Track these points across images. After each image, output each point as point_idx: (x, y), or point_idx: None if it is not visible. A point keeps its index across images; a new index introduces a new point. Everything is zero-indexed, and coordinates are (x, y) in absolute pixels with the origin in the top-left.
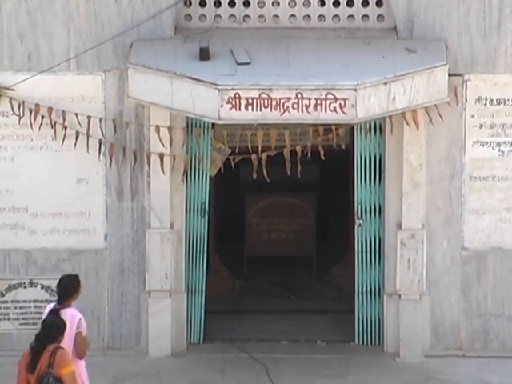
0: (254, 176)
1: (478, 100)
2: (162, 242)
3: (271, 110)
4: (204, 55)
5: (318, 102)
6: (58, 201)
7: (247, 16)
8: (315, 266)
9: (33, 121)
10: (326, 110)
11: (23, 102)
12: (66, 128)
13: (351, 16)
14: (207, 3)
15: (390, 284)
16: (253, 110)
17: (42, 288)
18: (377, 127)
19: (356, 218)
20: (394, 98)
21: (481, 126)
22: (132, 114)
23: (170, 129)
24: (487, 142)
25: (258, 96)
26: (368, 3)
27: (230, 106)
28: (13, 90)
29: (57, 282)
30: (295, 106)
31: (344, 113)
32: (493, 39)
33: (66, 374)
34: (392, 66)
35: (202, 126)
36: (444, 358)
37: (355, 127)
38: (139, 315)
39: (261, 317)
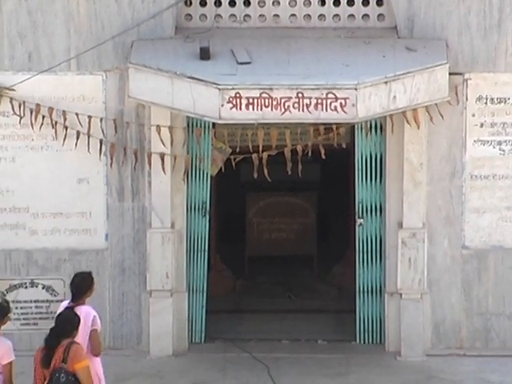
0: (255, 175)
1: (479, 99)
2: (163, 241)
3: (272, 109)
4: (204, 55)
5: (319, 101)
6: (59, 201)
7: (248, 15)
8: (316, 265)
9: (33, 121)
10: (326, 110)
11: (24, 102)
12: (66, 128)
13: (352, 15)
14: (207, 3)
15: (390, 283)
16: (253, 109)
17: (42, 288)
18: (377, 126)
19: (357, 217)
20: (394, 97)
21: (481, 124)
22: (133, 113)
23: (170, 128)
24: (488, 141)
25: (258, 95)
26: (368, 2)
27: (230, 105)
28: (13, 90)
29: (71, 279)
30: (296, 105)
31: (345, 112)
32: (493, 38)
33: (81, 369)
34: (392, 65)
35: (202, 125)
36: (445, 357)
37: (356, 126)
38: (140, 315)
39: (262, 316)
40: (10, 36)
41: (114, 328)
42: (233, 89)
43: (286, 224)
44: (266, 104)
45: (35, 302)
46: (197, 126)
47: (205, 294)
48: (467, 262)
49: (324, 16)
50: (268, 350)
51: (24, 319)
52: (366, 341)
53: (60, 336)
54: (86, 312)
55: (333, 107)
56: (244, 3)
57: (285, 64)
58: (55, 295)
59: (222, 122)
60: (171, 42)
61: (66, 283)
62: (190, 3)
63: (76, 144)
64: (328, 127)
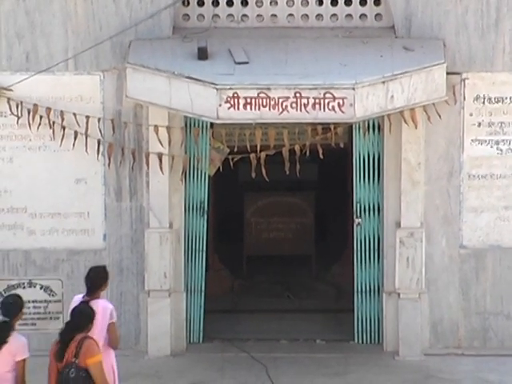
0: (253, 175)
1: (476, 98)
2: (161, 241)
3: (270, 109)
4: (202, 55)
5: (317, 101)
6: (57, 201)
7: (245, 15)
8: (314, 264)
9: (31, 121)
10: (324, 109)
11: (21, 103)
12: (64, 128)
13: (349, 15)
14: (205, 3)
15: (389, 283)
16: (251, 109)
17: (40, 288)
18: (375, 126)
19: (355, 216)
20: (392, 96)
21: (479, 124)
22: (130, 113)
23: (168, 128)
24: (485, 141)
25: (256, 95)
26: (366, 2)
27: (228, 105)
28: (11, 90)
29: (86, 273)
30: (294, 105)
31: (342, 112)
32: (491, 38)
33: (93, 364)
34: (390, 65)
35: (200, 125)
36: (443, 357)
37: (354, 126)
38: (138, 315)
39: (260, 316)
40: (8, 36)
41: None
42: (230, 89)
43: (284, 224)
44: (264, 104)
45: (33, 302)
46: (195, 125)
47: (203, 294)
48: (465, 262)
49: (322, 16)
50: (266, 350)
51: (22, 319)
52: (365, 340)
53: (74, 330)
54: (103, 306)
55: (330, 107)
56: (241, 3)
57: (282, 64)
58: (53, 295)
59: (219, 121)
60: (169, 42)
61: (63, 283)
62: (188, 3)
63: (74, 144)
64: (326, 127)
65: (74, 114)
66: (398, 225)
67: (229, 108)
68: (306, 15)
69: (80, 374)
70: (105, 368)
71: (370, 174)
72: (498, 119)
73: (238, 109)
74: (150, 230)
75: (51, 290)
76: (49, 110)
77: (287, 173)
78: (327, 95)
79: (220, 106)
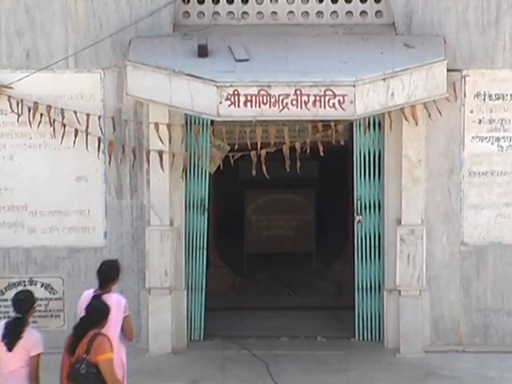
0: (254, 173)
1: (477, 95)
2: (162, 239)
3: (270, 106)
4: (202, 52)
5: (317, 98)
6: (58, 199)
7: (245, 13)
8: (315, 262)
9: (31, 119)
10: (324, 107)
11: (22, 100)
12: (64, 126)
13: (349, 12)
14: (205, 0)
15: (389, 280)
16: (252, 106)
17: (41, 286)
18: (376, 123)
19: (355, 214)
20: (392, 93)
21: (479, 121)
22: (131, 111)
23: (168, 126)
24: (486, 138)
25: (256, 93)
26: None
27: (228, 102)
28: (11, 88)
29: (98, 267)
30: (294, 102)
31: (343, 109)
32: (491, 35)
33: (103, 361)
34: (390, 62)
35: (200, 123)
36: (444, 354)
37: (354, 123)
38: (139, 312)
39: (261, 313)
40: (8, 34)
41: None
42: (231, 86)
43: (285, 221)
44: (265, 101)
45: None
46: (195, 123)
47: (204, 292)
48: (466, 259)
49: (322, 13)
50: (267, 347)
51: None
52: (365, 337)
53: (88, 326)
54: (117, 299)
55: (331, 104)
56: (242, 1)
57: (283, 61)
58: (54, 293)
59: (220, 119)
60: (169, 40)
61: (64, 281)
62: (188, 1)
63: (74, 142)
64: (326, 124)
65: (75, 112)
66: (399, 222)
67: (229, 105)
68: (307, 12)
69: (90, 369)
70: (115, 362)
71: (371, 171)
72: (498, 116)
73: (239, 106)
74: (150, 228)
75: (52, 288)
76: (49, 107)
77: (288, 170)
78: (328, 92)
79: (220, 103)
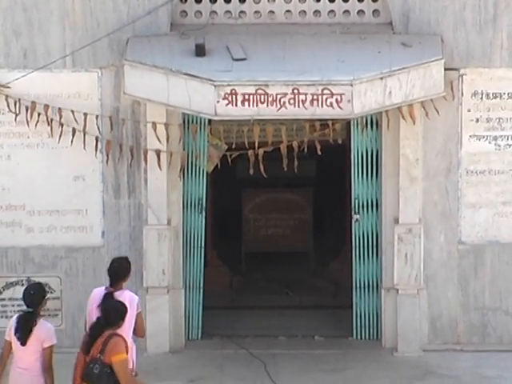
0: (251, 172)
1: (474, 94)
2: (160, 238)
3: (267, 105)
4: (200, 51)
5: (315, 97)
6: (55, 198)
7: (243, 12)
8: (313, 261)
9: (29, 118)
10: (322, 106)
11: (19, 100)
12: (62, 125)
13: (347, 11)
14: None
15: (387, 279)
16: (249, 105)
17: None
18: (373, 122)
19: (353, 212)
20: (390, 92)
21: (477, 120)
22: (128, 110)
23: (166, 125)
24: (483, 136)
25: (254, 92)
26: None
27: (226, 101)
28: (9, 87)
29: (108, 265)
30: (291, 101)
31: (340, 108)
32: (488, 33)
33: (117, 362)
34: (388, 61)
35: (198, 122)
36: (442, 353)
37: (352, 122)
38: None
39: (259, 312)
40: (6, 33)
41: None
42: (228, 85)
43: (283, 220)
44: (262, 100)
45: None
46: (192, 122)
47: (201, 291)
48: (463, 258)
49: (319, 12)
50: (265, 347)
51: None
52: (363, 336)
53: (104, 326)
54: (130, 297)
55: (328, 103)
56: (239, 0)
57: (280, 60)
58: (52, 292)
59: (217, 118)
60: (166, 39)
61: (62, 280)
62: (185, 0)
63: (72, 141)
64: (324, 123)
65: (72, 111)
66: (397, 221)
67: (227, 104)
68: (304, 11)
69: (104, 370)
70: None
71: (368, 170)
72: (495, 115)
73: (236, 105)
74: (148, 227)
75: (50, 287)
76: (47, 107)
77: (285, 169)
78: (325, 91)
79: (218, 102)
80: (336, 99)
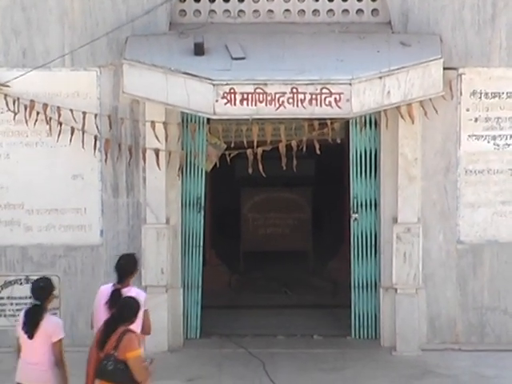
0: (250, 171)
1: (473, 94)
2: (158, 237)
3: (266, 104)
4: (199, 50)
5: (313, 96)
6: (54, 197)
7: (242, 11)
8: (311, 260)
9: (28, 117)
10: (321, 105)
11: (18, 99)
12: (61, 124)
13: (346, 10)
14: None
15: (386, 278)
16: (248, 104)
17: None
18: (372, 121)
19: (352, 212)
20: (388, 92)
21: (476, 119)
22: (127, 109)
23: (165, 124)
24: (482, 136)
25: (253, 91)
26: None
27: (225, 100)
28: (8, 86)
29: (116, 261)
30: (290, 100)
31: (339, 107)
32: (487, 33)
33: (132, 358)
34: (387, 60)
35: (197, 121)
36: (440, 352)
37: (350, 122)
38: None
39: (257, 311)
40: (5, 32)
41: None
42: (227, 84)
43: (281, 219)
44: (261, 99)
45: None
46: (191, 121)
47: (200, 290)
48: (462, 257)
49: (318, 11)
50: (264, 346)
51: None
52: (362, 336)
53: (118, 322)
54: (137, 293)
55: (327, 102)
56: None
57: (279, 59)
58: None
59: (216, 117)
60: (165, 38)
61: (60, 279)
62: None
63: (70, 140)
64: (322, 122)
65: (71, 110)
66: (395, 220)
67: (225, 104)
68: (303, 11)
69: (118, 366)
70: None
71: (367, 169)
72: (494, 114)
73: (235, 104)
74: (146, 226)
75: None
76: (45, 106)
77: (284, 168)
78: (324, 90)
79: (217, 101)
80: (335, 98)
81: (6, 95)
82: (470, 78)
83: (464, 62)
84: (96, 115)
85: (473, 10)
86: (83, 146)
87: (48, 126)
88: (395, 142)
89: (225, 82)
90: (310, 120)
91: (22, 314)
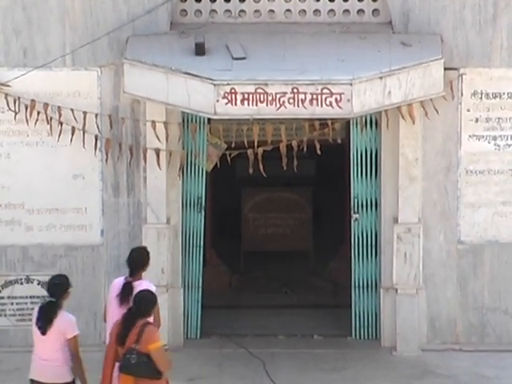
0: (251, 171)
1: (474, 94)
2: (159, 237)
3: (267, 104)
4: (199, 50)
5: (314, 96)
6: (55, 197)
7: (243, 11)
8: (312, 260)
9: (28, 117)
10: (321, 105)
11: (19, 98)
12: (61, 124)
13: (347, 10)
14: None
15: (386, 278)
16: (249, 104)
17: (38, 284)
18: (373, 122)
19: (352, 212)
20: (389, 92)
21: (476, 119)
22: (128, 109)
23: (165, 124)
24: (483, 136)
25: (253, 91)
26: None
27: (225, 100)
28: (8, 85)
29: (128, 255)
30: (291, 100)
31: (340, 107)
32: (488, 33)
33: (154, 350)
34: (387, 61)
35: (197, 121)
36: (441, 352)
37: (351, 122)
38: None
39: (258, 311)
40: (5, 32)
41: None
42: (228, 84)
43: (282, 219)
44: (261, 99)
45: (31, 297)
46: (192, 121)
47: (200, 290)
48: (463, 257)
49: (319, 11)
50: (264, 346)
51: (19, 315)
52: (362, 336)
53: (137, 316)
54: (148, 286)
55: (328, 102)
56: None
57: (280, 59)
58: None
59: (217, 117)
60: (166, 38)
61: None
62: None
63: (71, 140)
64: (323, 122)
65: (72, 110)
66: (396, 220)
67: (226, 104)
68: (304, 11)
69: (141, 359)
70: None
71: (368, 169)
72: (495, 115)
73: (236, 104)
74: (147, 226)
75: None
76: (46, 105)
77: (285, 168)
78: (324, 91)
79: (217, 101)
80: (335, 98)
81: (6, 95)
82: (470, 79)
83: (465, 62)
84: (97, 115)
85: (474, 10)
86: (84, 146)
87: (49, 126)
88: (396, 142)
89: (226, 82)
90: (311, 120)
91: (36, 309)
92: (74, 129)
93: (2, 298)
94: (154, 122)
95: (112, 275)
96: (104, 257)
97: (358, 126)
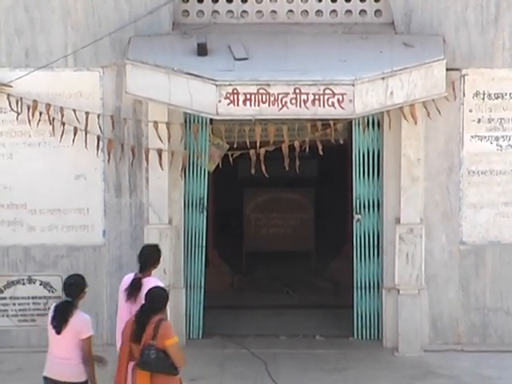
0: (253, 171)
1: (476, 94)
2: (161, 237)
3: (269, 105)
4: (202, 51)
5: (316, 97)
6: (57, 197)
7: (245, 11)
8: (314, 260)
9: (31, 117)
10: (323, 105)
11: (21, 99)
12: (63, 124)
13: (349, 11)
14: None
15: (388, 279)
16: (251, 105)
17: (40, 284)
18: (375, 122)
19: (354, 212)
20: (391, 92)
21: (479, 120)
22: (130, 109)
23: (168, 124)
24: (485, 137)
25: (256, 91)
26: None
27: (227, 101)
28: (10, 86)
29: (139, 252)
30: (293, 101)
31: (342, 108)
32: (490, 34)
33: (170, 345)
34: (390, 61)
35: (200, 121)
36: (443, 353)
37: (353, 122)
38: None
39: (259, 312)
40: (8, 32)
41: (111, 325)
42: (230, 85)
43: (284, 220)
44: (264, 100)
45: (33, 298)
46: (194, 121)
47: (202, 290)
48: (465, 258)
49: (321, 12)
50: (266, 346)
51: (21, 315)
52: (364, 336)
53: (151, 313)
54: (155, 283)
55: (330, 103)
56: None
57: (282, 60)
58: (53, 291)
59: (219, 117)
60: (168, 38)
61: (63, 279)
62: None
63: (73, 140)
64: (325, 123)
65: (74, 110)
66: (398, 221)
67: (228, 104)
68: (306, 11)
69: (159, 355)
70: None
71: (370, 170)
72: (497, 115)
73: (238, 105)
74: (149, 226)
75: (51, 286)
76: (48, 106)
77: (287, 169)
78: (327, 91)
79: (219, 102)
80: (338, 99)
81: (8, 95)
82: (473, 79)
83: (467, 63)
84: (99, 115)
85: (476, 10)
86: (86, 146)
87: (51, 126)
88: (398, 142)
89: (228, 83)
90: (313, 120)
91: (51, 308)
92: (76, 129)
93: (4, 298)
94: (156, 123)
95: (114, 276)
96: (106, 257)
97: (360, 126)
